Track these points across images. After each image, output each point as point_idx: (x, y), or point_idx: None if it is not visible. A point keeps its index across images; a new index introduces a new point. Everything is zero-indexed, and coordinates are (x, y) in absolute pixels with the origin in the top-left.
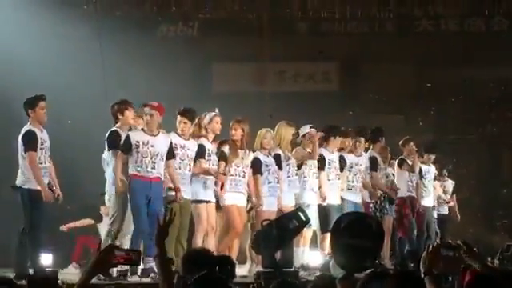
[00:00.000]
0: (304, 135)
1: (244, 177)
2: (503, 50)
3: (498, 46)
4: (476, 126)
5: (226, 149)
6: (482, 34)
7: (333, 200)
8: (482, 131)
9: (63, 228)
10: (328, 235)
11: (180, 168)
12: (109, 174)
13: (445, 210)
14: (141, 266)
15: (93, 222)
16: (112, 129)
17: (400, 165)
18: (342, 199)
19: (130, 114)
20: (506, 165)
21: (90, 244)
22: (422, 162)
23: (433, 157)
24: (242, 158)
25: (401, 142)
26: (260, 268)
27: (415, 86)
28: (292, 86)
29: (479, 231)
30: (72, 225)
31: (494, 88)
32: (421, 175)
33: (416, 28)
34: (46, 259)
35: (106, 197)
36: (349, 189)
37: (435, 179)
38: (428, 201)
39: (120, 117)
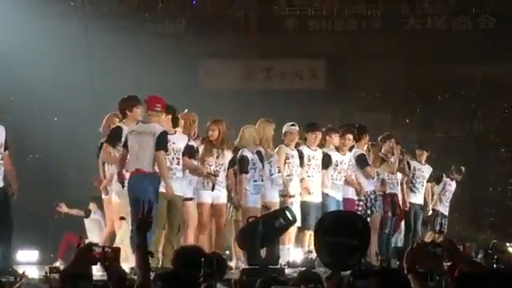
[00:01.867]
0: (285, 133)
1: (217, 176)
2: (490, 48)
3: (485, 44)
4: (463, 124)
5: (201, 147)
6: (469, 32)
7: (312, 197)
8: (469, 129)
9: (59, 208)
10: (307, 232)
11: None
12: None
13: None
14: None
15: (82, 213)
16: (116, 124)
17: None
18: (327, 196)
19: (138, 110)
20: (493, 163)
21: (75, 241)
22: (415, 159)
23: (426, 153)
24: (217, 158)
25: (380, 138)
26: (246, 265)
27: (402, 84)
28: (279, 84)
29: (465, 229)
30: (66, 209)
31: (481, 86)
32: (408, 172)
33: (403, 26)
34: (32, 256)
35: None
36: (332, 187)
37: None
38: (416, 198)
39: (128, 113)
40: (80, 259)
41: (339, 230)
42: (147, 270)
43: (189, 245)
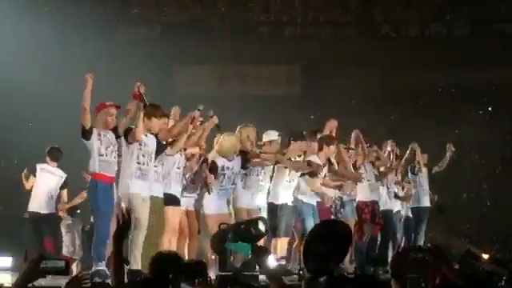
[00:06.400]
0: (270, 141)
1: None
2: (464, 54)
3: (460, 50)
4: (437, 130)
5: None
6: (443, 38)
7: (287, 200)
8: (443, 135)
9: (60, 211)
10: (278, 239)
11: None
12: None
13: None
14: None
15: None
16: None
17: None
18: (302, 203)
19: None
20: (467, 168)
21: (52, 247)
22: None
23: (426, 156)
24: None
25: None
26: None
27: (377, 90)
28: (254, 89)
29: (439, 235)
30: (69, 204)
31: (456, 92)
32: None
33: (377, 33)
34: (6, 262)
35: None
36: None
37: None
38: (395, 206)
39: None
40: (30, 272)
41: (324, 237)
42: (122, 277)
43: (167, 250)
